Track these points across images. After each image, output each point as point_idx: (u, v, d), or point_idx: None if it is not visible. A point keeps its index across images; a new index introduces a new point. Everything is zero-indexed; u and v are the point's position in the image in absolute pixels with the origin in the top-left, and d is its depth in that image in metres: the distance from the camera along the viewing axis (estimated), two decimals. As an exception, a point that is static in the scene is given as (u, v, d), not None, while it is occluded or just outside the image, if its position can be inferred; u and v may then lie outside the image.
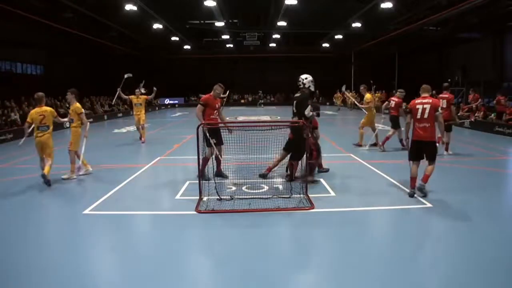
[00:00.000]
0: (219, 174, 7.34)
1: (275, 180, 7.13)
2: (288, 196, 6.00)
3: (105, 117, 23.38)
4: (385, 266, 3.94)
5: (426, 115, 5.93)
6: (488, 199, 6.16)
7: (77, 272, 3.86)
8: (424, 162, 6.17)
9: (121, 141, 13.18)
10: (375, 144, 10.77)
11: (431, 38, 24.45)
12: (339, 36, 28.49)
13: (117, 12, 19.51)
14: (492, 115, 15.59)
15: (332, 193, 6.42)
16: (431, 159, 6.05)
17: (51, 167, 7.26)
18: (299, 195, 6.02)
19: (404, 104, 10.72)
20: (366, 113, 11.06)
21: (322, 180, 7.23)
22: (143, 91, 13.24)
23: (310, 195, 6.02)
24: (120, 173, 8.11)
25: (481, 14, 18.26)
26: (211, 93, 7.29)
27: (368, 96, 11.13)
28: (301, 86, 7.05)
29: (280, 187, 6.73)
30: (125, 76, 12.15)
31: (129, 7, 18.17)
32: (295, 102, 6.93)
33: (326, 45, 32.60)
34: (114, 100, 16.95)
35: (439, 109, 6.08)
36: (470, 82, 20.99)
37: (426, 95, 6.17)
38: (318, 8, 21.53)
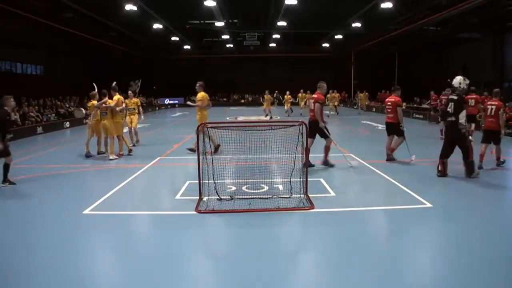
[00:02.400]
0: (327, 163, 8.36)
1: (275, 180, 7.13)
2: (288, 196, 5.99)
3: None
4: (385, 266, 3.93)
5: (493, 113, 8.07)
6: (488, 199, 6.17)
7: (77, 272, 3.86)
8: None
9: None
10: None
11: (431, 38, 24.46)
12: (339, 36, 28.47)
13: (117, 12, 19.50)
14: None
15: (332, 193, 6.41)
16: (496, 143, 8.08)
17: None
18: (299, 195, 6.01)
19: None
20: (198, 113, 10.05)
21: (322, 180, 7.23)
22: None
23: (310, 195, 6.01)
24: (120, 173, 8.12)
25: (481, 14, 18.27)
26: (320, 91, 8.29)
27: (200, 94, 10.01)
28: (459, 88, 7.37)
29: (280, 187, 6.72)
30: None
31: (129, 7, 18.16)
32: (452, 103, 7.30)
33: (326, 45, 32.57)
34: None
35: (502, 109, 8.04)
36: (470, 82, 21.00)
37: (496, 98, 8.34)
38: (318, 8, 21.51)
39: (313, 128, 8.12)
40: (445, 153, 7.43)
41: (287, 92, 24.05)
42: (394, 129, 8.93)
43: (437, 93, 19.95)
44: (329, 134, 8.31)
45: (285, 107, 23.82)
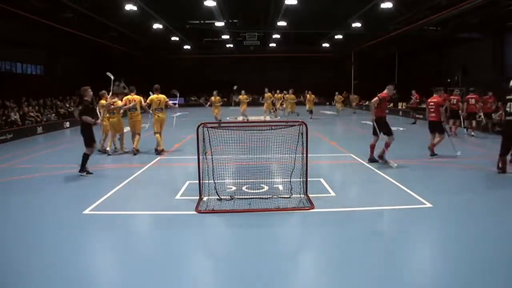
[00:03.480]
0: (382, 157, 8.64)
1: (275, 180, 7.12)
2: (288, 196, 5.99)
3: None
4: (385, 266, 3.93)
5: None
6: (488, 199, 6.17)
7: (77, 272, 3.86)
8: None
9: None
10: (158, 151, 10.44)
11: (431, 38, 24.45)
12: (339, 36, 28.47)
13: (117, 12, 19.50)
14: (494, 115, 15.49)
15: (332, 193, 6.41)
16: None
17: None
18: (299, 195, 6.02)
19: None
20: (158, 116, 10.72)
21: (322, 180, 7.23)
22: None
23: (310, 195, 6.01)
24: (120, 173, 8.11)
25: (481, 14, 18.28)
26: (386, 92, 8.69)
27: (149, 98, 10.74)
28: None
29: (280, 187, 6.72)
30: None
31: (129, 7, 18.16)
32: (511, 103, 7.70)
33: (326, 45, 32.58)
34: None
35: None
36: (470, 82, 21.02)
37: None
38: (318, 8, 21.53)
39: (380, 126, 8.65)
40: (505, 150, 7.72)
41: (242, 92, 18.96)
42: (436, 127, 9.39)
43: (418, 92, 20.49)
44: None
45: (241, 109, 19.02)
